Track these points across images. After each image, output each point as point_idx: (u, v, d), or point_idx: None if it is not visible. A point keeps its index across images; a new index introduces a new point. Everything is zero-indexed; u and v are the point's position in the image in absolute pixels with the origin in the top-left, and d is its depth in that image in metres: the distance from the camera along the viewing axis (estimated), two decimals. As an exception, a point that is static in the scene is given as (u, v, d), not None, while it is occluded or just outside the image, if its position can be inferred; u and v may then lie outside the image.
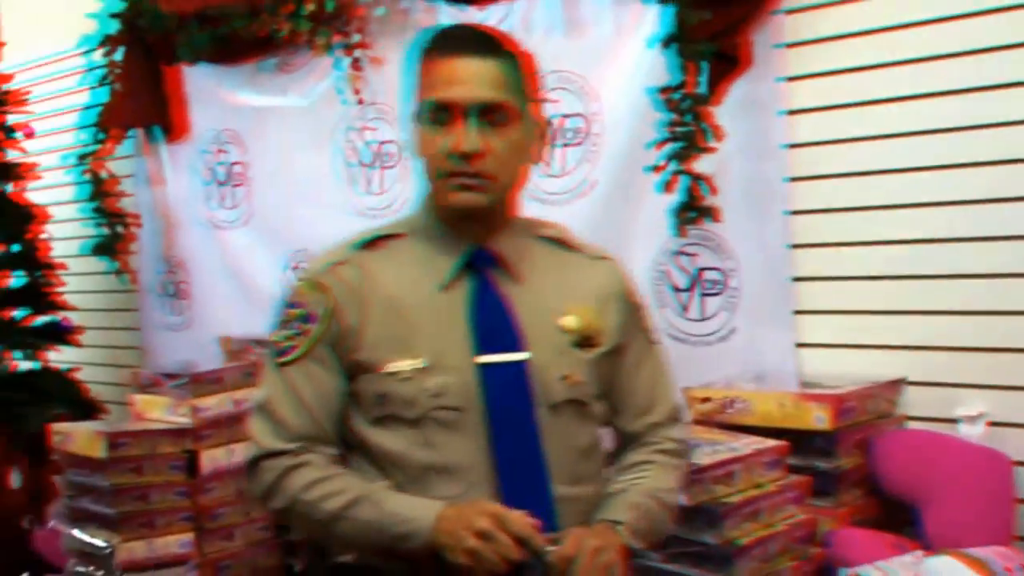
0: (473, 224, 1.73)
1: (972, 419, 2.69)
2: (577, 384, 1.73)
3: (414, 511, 1.62)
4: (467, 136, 1.65)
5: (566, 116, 3.36)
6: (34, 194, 4.90)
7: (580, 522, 1.68)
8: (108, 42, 4.50)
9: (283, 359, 1.72)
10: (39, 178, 4.89)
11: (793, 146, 3.00)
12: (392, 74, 3.73)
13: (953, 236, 2.76)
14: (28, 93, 4.92)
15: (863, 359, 2.88)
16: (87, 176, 4.61)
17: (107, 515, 3.36)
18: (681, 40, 2.92)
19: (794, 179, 3.00)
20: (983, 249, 2.71)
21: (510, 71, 1.69)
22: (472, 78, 1.65)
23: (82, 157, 4.61)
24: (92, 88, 4.73)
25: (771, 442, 2.61)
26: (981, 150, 2.70)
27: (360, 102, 3.86)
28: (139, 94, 4.47)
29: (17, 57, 5.00)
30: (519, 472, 1.67)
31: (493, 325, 1.70)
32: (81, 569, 3.44)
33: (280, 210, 4.21)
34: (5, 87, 4.88)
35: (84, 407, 4.50)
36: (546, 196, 3.35)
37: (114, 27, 4.47)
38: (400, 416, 1.68)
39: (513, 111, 1.68)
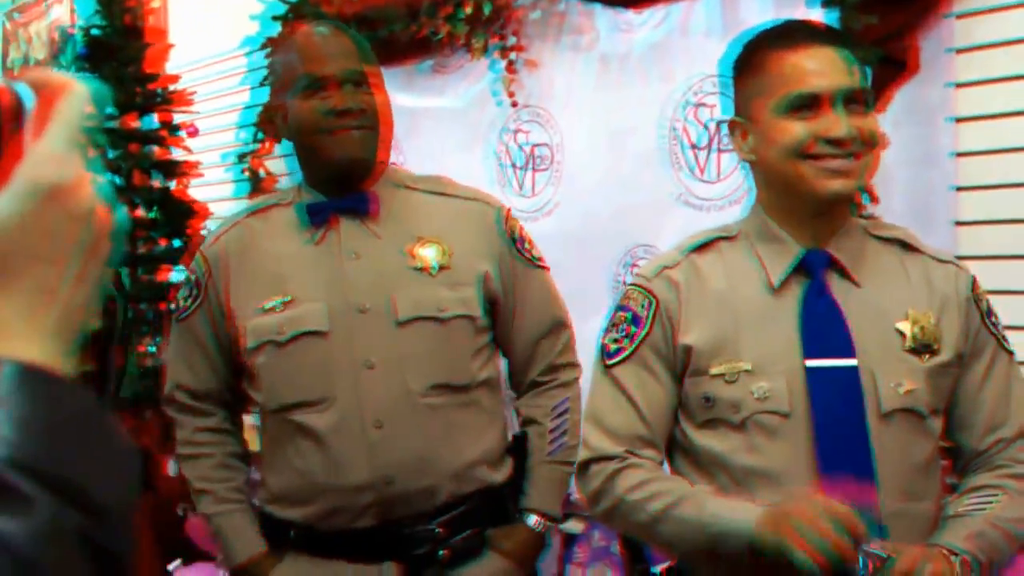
0: (816, 222, 1.69)
1: None
2: (911, 393, 1.65)
3: (735, 511, 1.60)
4: (840, 121, 1.62)
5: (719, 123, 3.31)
6: (196, 191, 5.06)
7: (911, 542, 1.60)
8: (270, 43, 4.62)
9: (610, 361, 1.74)
10: (201, 175, 5.05)
11: (960, 154, 2.89)
12: (546, 77, 3.73)
13: None
14: (193, 93, 5.08)
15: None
16: (246, 174, 4.72)
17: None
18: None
19: (960, 189, 2.89)
20: None
21: (859, 61, 1.68)
22: (835, 65, 1.63)
23: (242, 156, 4.72)
24: (253, 88, 4.86)
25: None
26: None
27: (514, 104, 3.87)
28: (298, 95, 4.55)
29: (183, 58, 5.18)
30: (844, 482, 1.60)
31: (823, 328, 1.65)
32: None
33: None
34: (172, 87, 5.06)
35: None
36: (700, 202, 3.31)
37: (276, 29, 4.58)
38: (725, 419, 1.66)
39: (869, 98, 1.67)
